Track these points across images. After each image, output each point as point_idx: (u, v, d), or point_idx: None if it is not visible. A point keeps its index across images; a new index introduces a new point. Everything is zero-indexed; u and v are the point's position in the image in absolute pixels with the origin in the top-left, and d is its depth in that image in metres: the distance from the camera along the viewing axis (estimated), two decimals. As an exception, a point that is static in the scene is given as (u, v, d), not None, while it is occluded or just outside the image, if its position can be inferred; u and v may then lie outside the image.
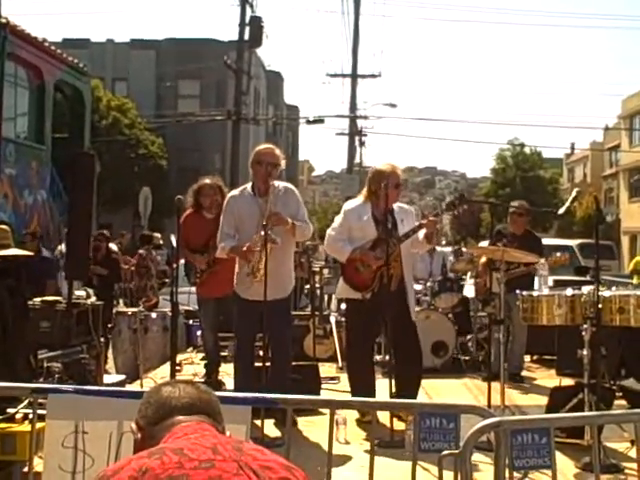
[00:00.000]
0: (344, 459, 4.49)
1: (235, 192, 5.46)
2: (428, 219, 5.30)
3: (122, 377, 7.20)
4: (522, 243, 6.40)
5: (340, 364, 7.95)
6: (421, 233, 5.35)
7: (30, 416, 3.43)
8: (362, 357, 5.50)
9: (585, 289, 4.92)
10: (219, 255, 5.49)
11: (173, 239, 5.88)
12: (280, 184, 5.33)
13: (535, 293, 5.03)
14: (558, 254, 6.68)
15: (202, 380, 6.72)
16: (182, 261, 6.93)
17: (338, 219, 5.60)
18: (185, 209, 6.46)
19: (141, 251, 11.32)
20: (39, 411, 3.12)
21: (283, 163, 5.37)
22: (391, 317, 5.22)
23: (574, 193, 5.89)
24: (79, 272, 6.62)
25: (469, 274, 9.97)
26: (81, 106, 15.86)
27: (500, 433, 2.78)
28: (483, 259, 7.45)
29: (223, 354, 7.18)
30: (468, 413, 3.07)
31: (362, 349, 5.48)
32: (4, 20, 12.28)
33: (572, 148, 53.73)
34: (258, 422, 4.69)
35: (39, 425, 3.14)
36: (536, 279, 5.98)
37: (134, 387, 6.71)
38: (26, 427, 3.74)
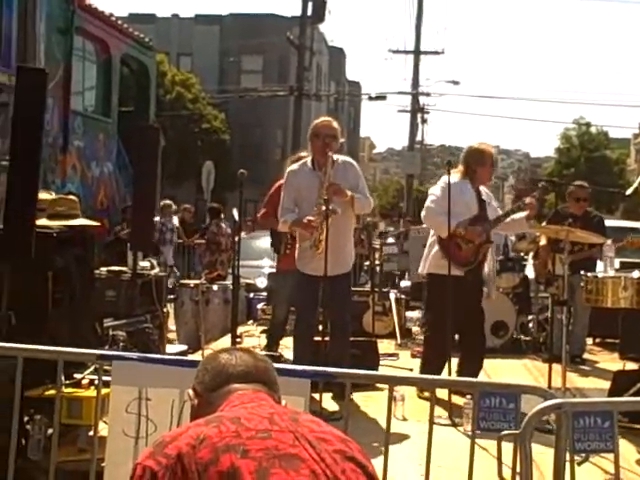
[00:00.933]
0: (401, 436, 4.49)
1: (294, 166, 5.46)
2: (529, 201, 5.29)
3: (184, 347, 7.34)
4: (584, 223, 6.26)
5: (399, 341, 7.96)
6: (521, 214, 5.35)
7: (96, 382, 3.52)
8: (444, 335, 5.38)
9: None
10: (281, 229, 5.52)
11: (235, 213, 5.91)
12: (340, 157, 5.30)
13: (600, 275, 4.94)
14: (633, 236, 6.51)
15: (275, 354, 6.79)
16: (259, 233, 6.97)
17: (437, 192, 5.53)
18: (280, 177, 6.49)
19: (213, 228, 11.44)
20: (104, 377, 3.21)
21: (342, 137, 5.34)
22: (469, 296, 5.21)
23: None
24: (144, 243, 6.74)
25: (531, 254, 9.81)
26: (146, 80, 16.05)
27: (562, 415, 2.74)
28: (543, 241, 7.32)
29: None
30: (529, 394, 3.03)
31: (445, 326, 5.36)
32: (73, -5, 12.49)
33: (641, 128, 52.14)
34: (316, 395, 4.74)
35: (104, 391, 3.22)
36: (600, 261, 5.85)
37: (196, 357, 6.84)
38: (92, 392, 3.85)
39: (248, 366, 1.85)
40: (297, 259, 5.34)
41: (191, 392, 1.86)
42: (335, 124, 5.32)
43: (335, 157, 5.22)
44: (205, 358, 1.96)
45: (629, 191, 5.34)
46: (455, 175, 5.50)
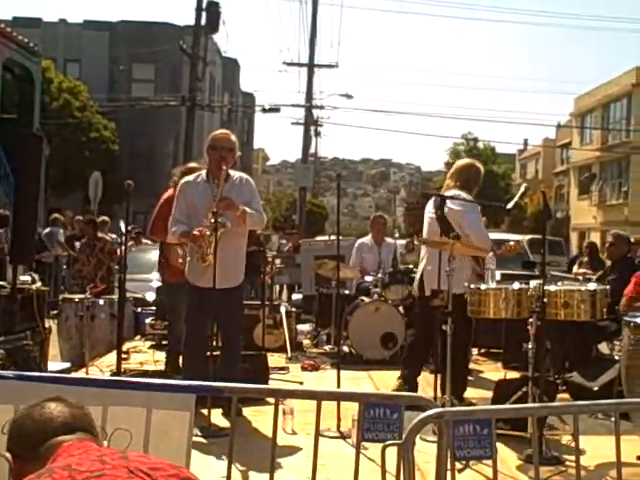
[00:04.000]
0: (290, 449, 4.49)
1: (189, 178, 5.40)
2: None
3: (67, 365, 7.10)
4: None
5: (289, 354, 7.96)
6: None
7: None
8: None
9: (532, 283, 5.00)
10: (170, 240, 5.43)
11: (122, 225, 5.77)
12: (236, 174, 5.30)
13: (482, 286, 5.08)
14: (511, 242, 6.73)
15: (161, 369, 6.63)
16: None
17: (475, 210, 5.67)
18: (168, 188, 6.37)
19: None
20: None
21: (238, 151, 5.33)
22: None
23: (522, 188, 5.96)
24: (24, 256, 6.49)
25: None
26: (31, 86, 15.46)
27: (442, 424, 2.80)
28: None
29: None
30: (412, 404, 3.09)
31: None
32: (-49, -5, 11.91)
33: (525, 144, 54.58)
34: (205, 411, 4.67)
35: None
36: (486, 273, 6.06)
37: (79, 374, 6.61)
38: (-36, 414, 3.65)
39: (66, 416, 1.84)
40: (187, 272, 5.27)
41: (8, 455, 1.83)
42: (233, 137, 5.31)
43: (232, 172, 5.22)
44: (17, 417, 1.91)
45: (510, 205, 5.53)
46: (458, 191, 5.60)
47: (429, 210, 5.80)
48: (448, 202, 5.50)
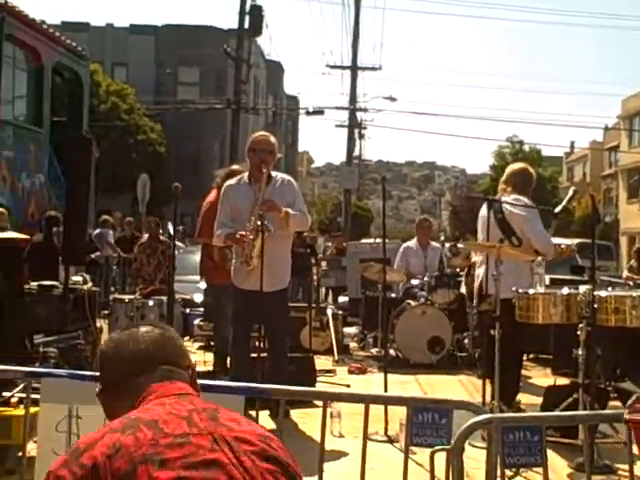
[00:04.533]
0: (337, 452, 4.49)
1: (232, 181, 5.44)
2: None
3: (117, 364, 7.18)
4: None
5: (336, 357, 7.97)
6: None
7: (24, 400, 3.41)
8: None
9: (582, 288, 4.92)
10: (215, 243, 5.48)
11: (170, 227, 5.85)
12: (279, 175, 5.32)
13: (531, 291, 5.02)
14: (563, 245, 6.62)
15: (210, 369, 6.68)
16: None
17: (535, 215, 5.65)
18: (212, 190, 6.45)
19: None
20: (33, 395, 3.11)
21: (279, 152, 5.34)
22: None
23: (571, 192, 5.87)
24: (76, 257, 6.60)
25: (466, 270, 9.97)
26: (80, 90, 15.76)
27: (492, 430, 2.79)
28: (474, 258, 7.46)
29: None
30: (461, 409, 3.07)
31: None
32: (2, 1, 12.20)
33: (572, 147, 53.78)
34: (253, 413, 4.70)
35: (34, 409, 3.13)
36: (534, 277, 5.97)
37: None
38: (21, 411, 3.73)
39: (156, 346, 1.74)
40: (233, 274, 5.31)
41: (97, 389, 1.76)
42: (272, 139, 5.31)
43: (274, 174, 5.23)
44: (105, 346, 1.79)
45: (558, 209, 5.46)
46: (517, 195, 5.59)
47: (484, 214, 5.73)
48: (508, 206, 5.45)
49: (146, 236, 10.72)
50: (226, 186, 5.43)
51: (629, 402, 2.13)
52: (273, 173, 5.23)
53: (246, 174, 5.35)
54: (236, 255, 5.25)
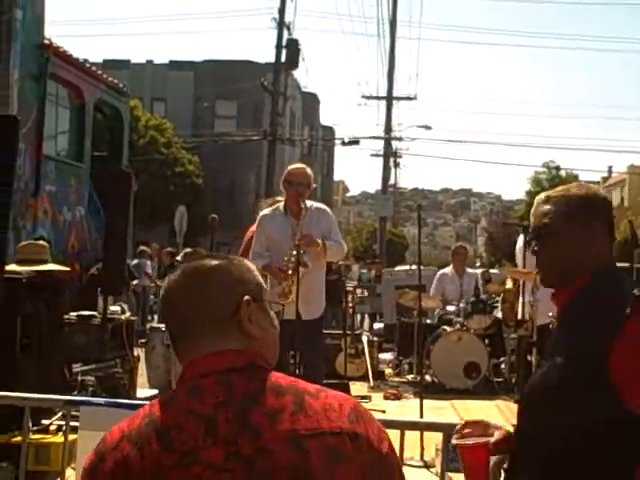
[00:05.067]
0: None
1: (267, 211, 5.48)
2: None
3: (154, 392, 7.26)
4: None
5: (371, 383, 7.96)
6: None
7: (63, 428, 3.49)
8: None
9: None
10: None
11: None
12: (313, 204, 5.34)
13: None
14: None
15: None
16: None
17: None
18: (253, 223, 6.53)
19: None
20: (72, 423, 3.18)
21: (314, 182, 5.39)
22: None
23: None
24: (114, 287, 6.73)
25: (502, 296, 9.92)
26: (120, 125, 16.16)
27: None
28: (509, 284, 7.42)
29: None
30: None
31: None
32: (47, 42, 12.61)
33: (609, 171, 53.15)
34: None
35: (72, 437, 3.19)
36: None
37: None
38: (59, 438, 3.81)
39: (188, 298, 1.43)
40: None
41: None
42: (308, 171, 5.34)
43: (309, 204, 5.27)
44: (167, 288, 1.47)
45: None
46: None
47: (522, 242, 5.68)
48: None
49: None
50: (261, 216, 5.46)
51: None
52: (308, 202, 5.27)
53: (281, 204, 5.40)
54: (271, 285, 5.30)
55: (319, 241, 5.07)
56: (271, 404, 1.32)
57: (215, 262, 1.47)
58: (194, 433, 1.29)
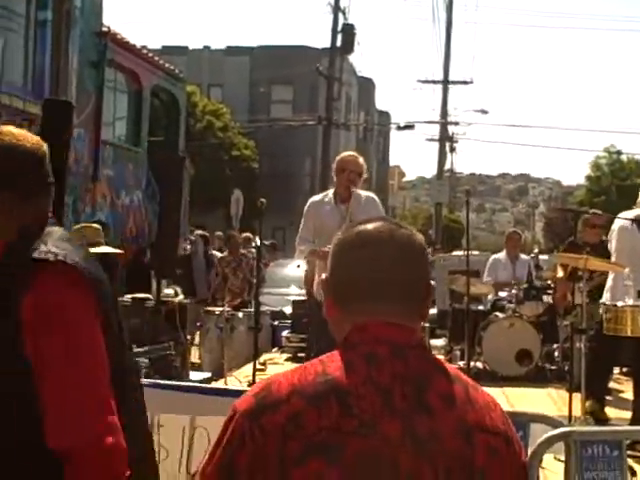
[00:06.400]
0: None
1: (316, 198, 5.52)
2: None
3: (208, 374, 7.39)
4: (602, 251, 6.20)
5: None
6: None
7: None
8: None
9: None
10: (297, 258, 5.60)
11: (257, 240, 6.01)
12: (363, 193, 5.37)
13: (620, 303, 4.89)
14: None
15: None
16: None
17: None
18: None
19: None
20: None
21: (366, 172, 5.39)
22: None
23: None
24: (167, 270, 6.86)
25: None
26: (176, 111, 16.34)
27: (570, 443, 2.75)
28: (560, 273, 7.30)
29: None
30: (538, 422, 3.04)
31: None
32: (105, 29, 12.83)
33: (674, 156, 51.48)
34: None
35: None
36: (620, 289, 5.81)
37: (219, 384, 6.88)
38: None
39: (399, 262, 1.37)
40: (315, 289, 5.40)
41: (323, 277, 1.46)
42: (361, 160, 5.37)
43: (359, 192, 5.28)
44: (339, 242, 1.43)
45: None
46: None
47: (624, 227, 5.51)
48: None
49: (226, 252, 11.02)
50: (310, 202, 5.51)
51: None
52: (358, 191, 5.29)
53: (331, 191, 5.43)
54: (319, 270, 5.33)
55: None
56: (444, 388, 1.31)
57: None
58: (372, 402, 1.26)
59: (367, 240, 1.39)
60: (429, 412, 1.26)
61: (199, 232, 14.97)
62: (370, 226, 1.42)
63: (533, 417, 3.07)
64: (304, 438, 1.23)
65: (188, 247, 12.53)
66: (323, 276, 1.47)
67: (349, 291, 1.40)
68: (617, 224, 5.59)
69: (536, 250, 12.29)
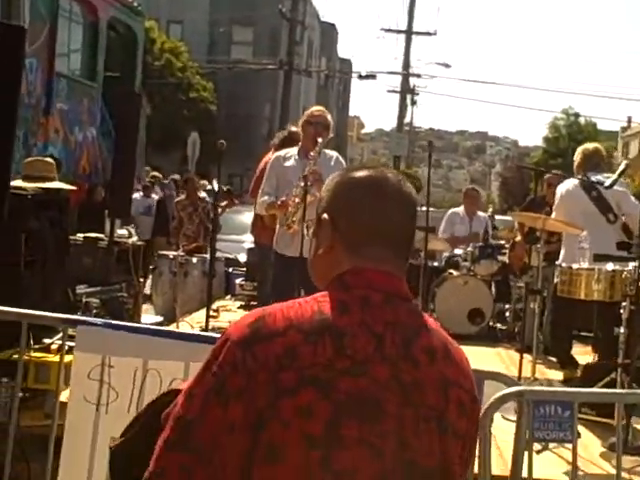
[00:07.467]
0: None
1: (281, 152, 5.50)
2: None
3: (159, 318, 7.32)
4: None
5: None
6: None
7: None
8: None
9: (630, 265, 4.80)
10: (258, 211, 5.53)
11: (215, 185, 5.89)
12: (329, 152, 5.35)
13: (575, 266, 4.92)
14: None
15: None
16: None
17: None
18: (269, 151, 6.48)
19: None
20: (70, 343, 3.17)
21: (332, 132, 5.34)
22: None
23: (623, 166, 5.72)
24: (122, 210, 6.70)
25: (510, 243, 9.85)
26: (134, 46, 15.82)
27: (523, 402, 2.76)
28: (518, 237, 7.36)
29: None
30: (493, 380, 3.05)
31: None
32: (62, -45, 12.28)
33: (629, 121, 52.36)
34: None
35: (70, 357, 3.19)
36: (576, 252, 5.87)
37: (169, 328, 6.81)
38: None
39: (402, 213, 1.44)
40: (275, 241, 5.35)
41: (326, 216, 1.45)
42: (329, 117, 5.36)
43: (326, 151, 5.27)
44: (352, 188, 1.44)
45: (608, 182, 5.33)
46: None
47: (568, 190, 5.60)
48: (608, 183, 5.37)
49: (183, 195, 10.85)
50: (274, 157, 5.51)
51: None
52: (325, 150, 5.26)
53: (296, 148, 5.38)
54: (280, 222, 5.27)
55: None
56: (427, 342, 1.38)
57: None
58: (365, 345, 1.32)
59: (381, 187, 1.43)
60: (414, 363, 1.34)
61: (175, 177, 14.69)
62: (386, 174, 1.45)
63: (488, 374, 3.08)
64: (299, 370, 1.27)
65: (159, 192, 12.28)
66: (325, 216, 1.45)
67: (360, 234, 1.42)
68: (560, 189, 5.67)
69: (491, 209, 12.36)
